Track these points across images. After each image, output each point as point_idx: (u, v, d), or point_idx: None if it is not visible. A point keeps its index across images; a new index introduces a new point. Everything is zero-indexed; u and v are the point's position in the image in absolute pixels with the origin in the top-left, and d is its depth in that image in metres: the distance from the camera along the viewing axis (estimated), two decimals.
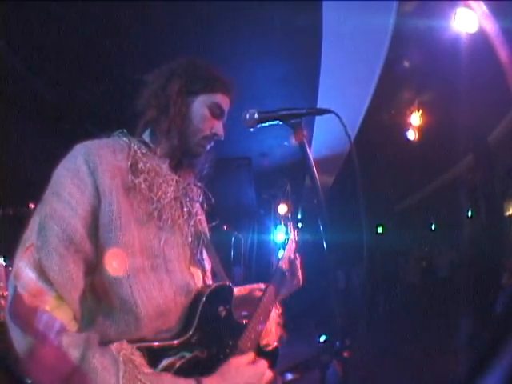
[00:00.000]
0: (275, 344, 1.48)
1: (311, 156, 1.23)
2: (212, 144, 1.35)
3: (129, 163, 1.17)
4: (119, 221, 1.09)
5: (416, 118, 5.97)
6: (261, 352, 1.36)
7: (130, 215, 1.12)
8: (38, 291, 0.99)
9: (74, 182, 1.07)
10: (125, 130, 1.28)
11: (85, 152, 1.12)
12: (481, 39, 3.81)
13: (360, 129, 6.42)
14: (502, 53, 3.27)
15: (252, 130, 1.27)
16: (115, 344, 1.00)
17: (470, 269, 7.16)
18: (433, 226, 12.03)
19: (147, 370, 0.99)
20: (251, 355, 1.23)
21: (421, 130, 6.07)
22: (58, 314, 0.99)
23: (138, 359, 0.99)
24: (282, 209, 2.19)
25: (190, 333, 1.15)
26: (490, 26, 3.35)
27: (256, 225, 8.58)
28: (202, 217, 1.40)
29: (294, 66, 4.86)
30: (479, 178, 7.59)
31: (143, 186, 1.16)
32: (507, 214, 7.32)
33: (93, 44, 4.15)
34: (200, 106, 1.29)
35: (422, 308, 8.30)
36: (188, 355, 1.10)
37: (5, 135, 4.30)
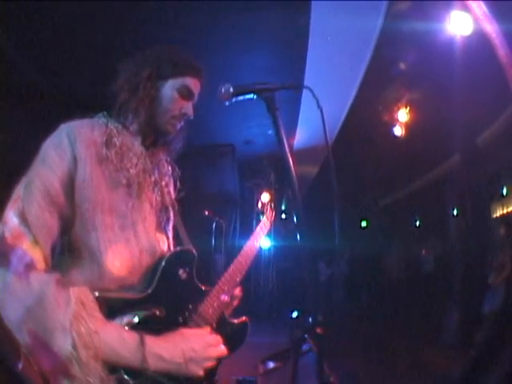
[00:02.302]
0: (244, 318, 1.55)
1: (283, 131, 1.28)
2: (182, 124, 1.49)
3: (104, 138, 1.35)
4: (92, 182, 1.28)
5: (403, 115, 6.00)
6: (225, 323, 1.46)
7: (101, 179, 1.30)
8: (19, 234, 1.16)
9: (57, 151, 1.27)
10: (105, 113, 1.44)
11: (68, 130, 1.32)
12: (474, 40, 3.82)
13: (346, 123, 6.43)
14: (501, 53, 3.26)
15: (227, 103, 1.33)
16: (76, 287, 1.14)
17: (455, 267, 7.26)
18: (417, 223, 12.12)
19: (98, 314, 1.13)
20: (207, 329, 1.34)
21: (408, 127, 6.10)
22: (31, 252, 1.15)
23: (92, 304, 1.13)
24: (265, 197, 2.21)
25: (150, 291, 1.25)
26: (490, 27, 3.34)
27: (238, 212, 8.60)
28: (170, 189, 1.55)
29: (281, 60, 4.90)
30: (466, 178, 7.63)
31: (114, 157, 1.33)
32: (494, 215, 7.38)
33: (84, 32, 4.19)
34: (169, 89, 1.44)
35: (406, 304, 8.38)
36: (146, 312, 1.20)
37: None
